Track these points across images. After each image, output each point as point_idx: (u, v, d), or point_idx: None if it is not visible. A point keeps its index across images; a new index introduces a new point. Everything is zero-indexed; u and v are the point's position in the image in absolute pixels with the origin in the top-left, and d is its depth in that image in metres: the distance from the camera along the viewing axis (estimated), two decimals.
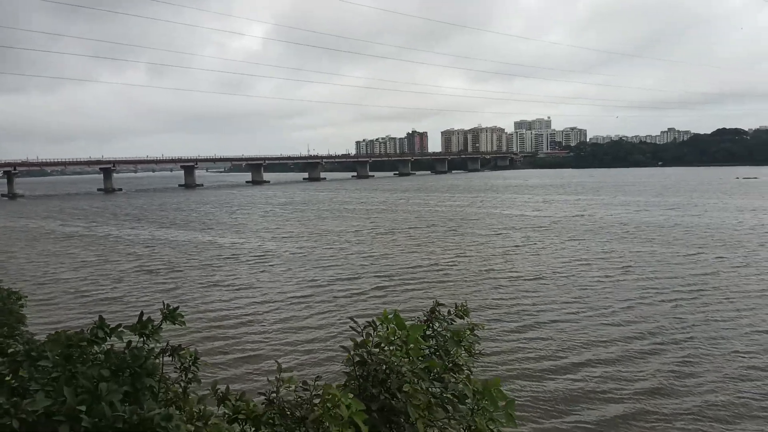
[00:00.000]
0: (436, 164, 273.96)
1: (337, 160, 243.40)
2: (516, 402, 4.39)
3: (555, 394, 15.55)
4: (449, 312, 5.48)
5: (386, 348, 4.24)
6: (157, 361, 3.73)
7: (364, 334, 4.45)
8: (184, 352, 3.96)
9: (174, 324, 3.90)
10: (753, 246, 39.02)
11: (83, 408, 3.12)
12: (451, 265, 34.38)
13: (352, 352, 4.28)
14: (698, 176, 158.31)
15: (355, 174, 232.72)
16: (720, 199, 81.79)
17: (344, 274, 32.32)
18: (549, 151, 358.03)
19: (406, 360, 4.12)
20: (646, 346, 19.25)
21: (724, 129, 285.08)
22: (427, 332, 5.13)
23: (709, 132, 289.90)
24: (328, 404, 3.56)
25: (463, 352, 5.14)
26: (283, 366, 4.23)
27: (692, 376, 16.62)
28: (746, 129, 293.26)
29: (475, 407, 4.19)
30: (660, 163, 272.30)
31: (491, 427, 4.11)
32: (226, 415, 3.84)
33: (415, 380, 4.01)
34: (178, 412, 3.29)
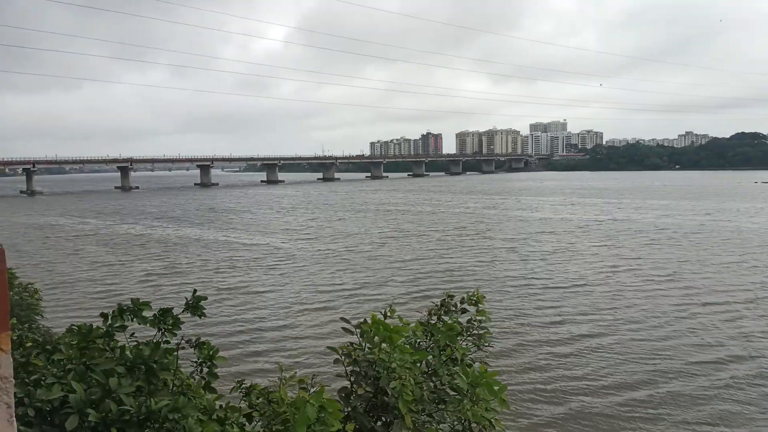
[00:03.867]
0: (450, 165, 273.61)
1: (351, 160, 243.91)
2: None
3: (585, 413, 14.59)
4: (462, 300, 5.44)
5: (374, 349, 4.31)
6: (175, 353, 3.69)
7: (358, 333, 4.49)
8: (205, 345, 3.86)
9: (195, 315, 3.82)
10: None
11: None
12: (479, 269, 33.66)
13: (341, 354, 4.42)
14: (717, 180, 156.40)
15: (369, 175, 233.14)
16: (748, 203, 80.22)
17: (366, 279, 31.83)
18: (564, 153, 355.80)
19: (396, 356, 4.16)
20: (704, 364, 17.61)
21: (743, 133, 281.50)
22: (431, 321, 5.19)
23: (728, 136, 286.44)
24: (294, 407, 3.59)
25: (469, 343, 5.21)
26: (302, 367, 4.23)
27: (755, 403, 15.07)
28: (765, 133, 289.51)
29: (473, 397, 4.26)
30: (677, 166, 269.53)
31: (488, 417, 4.20)
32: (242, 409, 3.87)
33: (404, 375, 4.06)
34: (189, 401, 3.26)
